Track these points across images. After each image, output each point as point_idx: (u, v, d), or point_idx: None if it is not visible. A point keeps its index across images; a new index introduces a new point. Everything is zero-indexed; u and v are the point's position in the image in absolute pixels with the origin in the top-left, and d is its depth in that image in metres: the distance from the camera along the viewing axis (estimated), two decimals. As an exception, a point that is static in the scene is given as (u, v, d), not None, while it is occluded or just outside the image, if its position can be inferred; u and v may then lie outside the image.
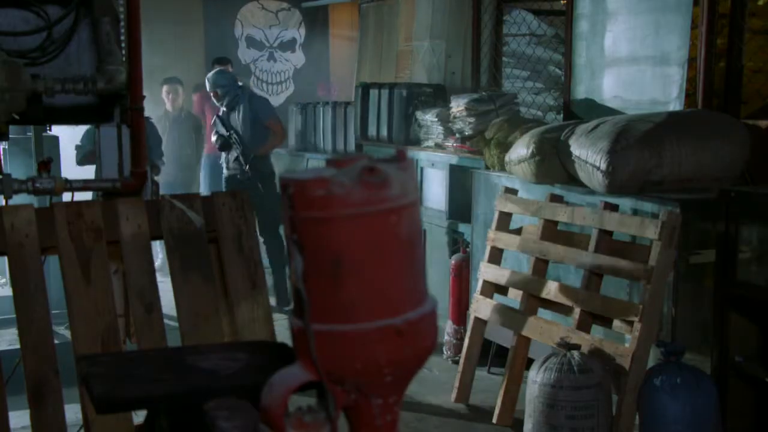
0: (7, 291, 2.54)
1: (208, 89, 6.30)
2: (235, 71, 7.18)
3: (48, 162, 3.09)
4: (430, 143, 5.40)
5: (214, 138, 6.30)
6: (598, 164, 3.65)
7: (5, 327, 4.20)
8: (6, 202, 2.86)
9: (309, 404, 1.07)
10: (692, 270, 3.47)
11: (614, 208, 3.63)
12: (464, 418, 4.06)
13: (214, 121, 6.27)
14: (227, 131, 6.14)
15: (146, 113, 3.35)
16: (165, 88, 7.30)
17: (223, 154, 6.29)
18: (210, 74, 6.40)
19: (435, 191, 5.28)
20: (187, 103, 7.60)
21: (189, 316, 2.49)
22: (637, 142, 3.59)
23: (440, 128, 5.27)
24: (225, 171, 6.28)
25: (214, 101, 6.32)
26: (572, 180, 3.96)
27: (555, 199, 3.98)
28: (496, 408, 3.93)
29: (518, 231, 4.16)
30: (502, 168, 4.46)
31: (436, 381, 4.47)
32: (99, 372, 1.56)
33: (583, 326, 3.60)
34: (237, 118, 6.20)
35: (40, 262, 2.42)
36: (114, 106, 3.11)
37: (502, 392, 3.93)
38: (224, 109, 6.23)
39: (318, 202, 0.97)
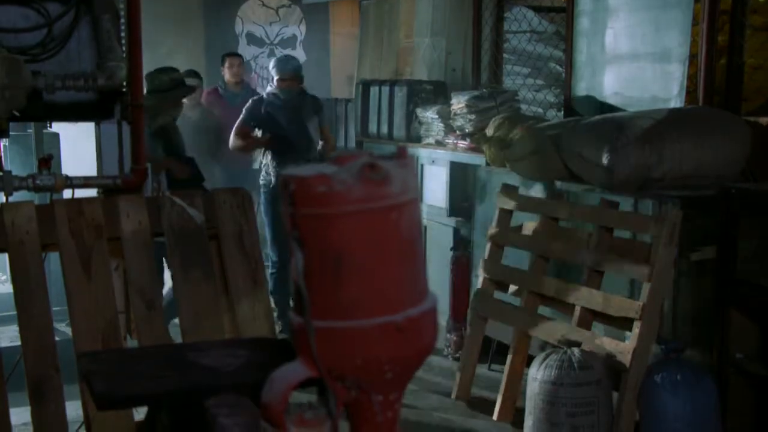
0: (8, 288, 2.54)
1: (279, 76, 5.26)
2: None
3: (48, 159, 3.09)
4: (431, 140, 5.39)
5: (263, 137, 5.28)
6: (598, 161, 3.64)
7: (6, 324, 4.20)
8: (6, 199, 2.86)
9: (310, 401, 1.07)
10: (693, 267, 3.47)
11: (615, 205, 3.62)
12: (465, 415, 4.06)
13: (264, 118, 5.25)
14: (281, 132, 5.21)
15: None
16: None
17: (263, 159, 5.42)
18: (282, 57, 5.56)
19: (435, 188, 5.28)
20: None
21: (190, 313, 2.49)
22: (638, 140, 3.58)
23: (441, 125, 5.26)
24: (270, 178, 5.29)
25: (279, 92, 5.26)
26: (573, 177, 3.96)
27: (556, 196, 3.97)
28: (496, 405, 3.94)
29: (519, 228, 4.16)
30: (503, 165, 4.46)
31: (437, 378, 4.47)
32: (100, 369, 1.56)
33: (584, 323, 3.60)
34: (301, 118, 5.26)
35: (40, 259, 2.42)
36: (114, 102, 3.11)
37: (502, 389, 3.93)
38: (275, 103, 5.26)
39: (319, 199, 0.97)
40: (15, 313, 2.37)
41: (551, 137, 4.04)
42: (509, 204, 4.17)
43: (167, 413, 1.51)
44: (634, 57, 4.46)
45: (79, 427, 2.48)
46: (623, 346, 3.34)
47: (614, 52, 4.59)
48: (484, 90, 5.24)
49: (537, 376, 3.39)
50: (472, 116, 4.95)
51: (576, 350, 3.37)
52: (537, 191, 4.17)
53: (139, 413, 2.27)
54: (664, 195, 3.53)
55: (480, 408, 4.09)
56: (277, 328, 4.79)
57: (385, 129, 5.85)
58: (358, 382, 1.03)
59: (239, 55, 6.97)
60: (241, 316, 2.54)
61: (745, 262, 3.33)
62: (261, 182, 5.43)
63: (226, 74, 6.75)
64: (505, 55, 5.65)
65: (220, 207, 2.58)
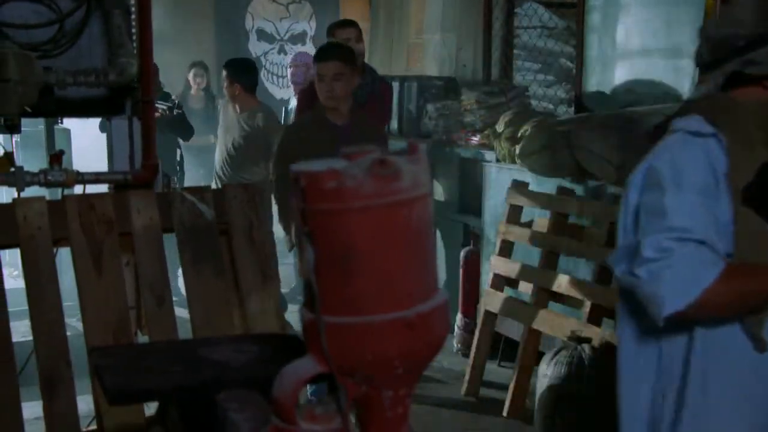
0: (20, 283, 2.55)
1: None
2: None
3: (60, 154, 3.10)
4: (441, 136, 5.39)
5: None
6: (609, 157, 3.63)
7: (18, 319, 4.21)
8: (18, 195, 2.88)
9: (320, 397, 1.07)
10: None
11: (626, 201, 3.61)
12: (474, 411, 4.06)
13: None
14: None
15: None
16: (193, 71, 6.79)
17: None
18: None
19: (446, 184, 5.27)
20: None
21: (200, 309, 2.50)
22: (649, 135, 3.56)
23: (451, 121, 5.26)
24: None
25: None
26: (583, 173, 3.94)
27: (566, 192, 3.96)
28: (506, 401, 3.94)
29: (529, 224, 4.15)
30: (513, 161, 4.45)
31: (447, 374, 4.47)
32: (111, 364, 1.57)
33: (594, 320, 3.59)
34: None
35: (52, 254, 2.43)
36: (125, 98, 3.12)
37: (512, 385, 3.93)
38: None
39: (329, 194, 0.97)
40: (27, 308, 2.38)
41: (562, 133, 4.03)
42: (519, 200, 4.16)
43: (177, 408, 1.52)
44: (645, 53, 4.44)
45: (91, 422, 2.49)
46: (634, 343, 3.33)
47: (625, 47, 4.57)
48: (495, 86, 5.23)
49: (547, 372, 3.38)
50: (483, 112, 4.94)
51: (586, 347, 3.37)
52: (547, 187, 4.16)
53: (150, 408, 2.27)
54: (675, 191, 3.51)
55: (489, 404, 4.09)
56: None
57: (395, 124, 5.86)
58: (368, 377, 1.03)
59: (354, 24, 4.51)
60: (251, 310, 2.54)
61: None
62: None
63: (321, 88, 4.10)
64: (515, 51, 5.64)
65: (230, 202, 2.59)
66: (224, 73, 5.40)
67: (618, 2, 4.59)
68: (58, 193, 3.02)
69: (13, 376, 2.32)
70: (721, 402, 1.66)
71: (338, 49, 3.82)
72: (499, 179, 4.58)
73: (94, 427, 2.44)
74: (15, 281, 4.81)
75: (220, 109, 5.66)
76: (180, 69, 7.14)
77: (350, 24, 4.46)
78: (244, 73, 5.35)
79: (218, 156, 5.53)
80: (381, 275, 0.99)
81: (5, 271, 2.52)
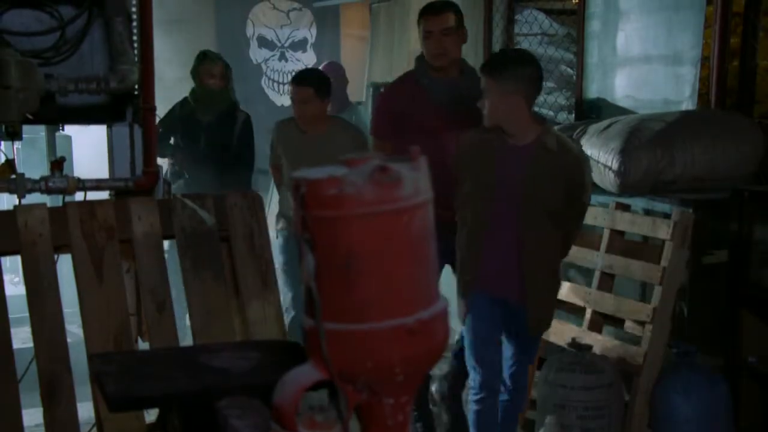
0: (21, 289, 2.55)
1: None
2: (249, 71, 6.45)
3: (61, 161, 3.11)
4: (442, 143, 5.38)
5: None
6: (610, 164, 3.63)
7: (19, 325, 4.21)
8: (19, 202, 2.88)
9: (320, 403, 1.07)
10: (705, 270, 3.45)
11: (626, 207, 3.61)
12: (475, 418, 4.04)
13: None
14: None
15: None
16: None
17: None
18: None
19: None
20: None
21: (201, 315, 2.50)
22: (650, 142, 3.57)
23: (451, 128, 5.25)
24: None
25: None
26: (584, 180, 3.94)
27: (567, 198, 3.96)
28: (507, 408, 3.92)
29: (530, 231, 4.15)
30: (514, 167, 4.45)
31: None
32: (111, 370, 1.57)
33: (595, 326, 3.58)
34: None
35: (53, 261, 2.43)
36: (126, 105, 3.13)
37: (513, 392, 3.91)
38: None
39: (330, 201, 0.97)
40: (27, 314, 2.38)
41: (562, 140, 4.02)
42: (520, 207, 4.15)
43: (178, 415, 1.52)
44: (645, 59, 4.44)
45: (91, 429, 2.49)
46: (635, 350, 3.33)
47: (626, 54, 4.57)
48: (495, 92, 5.22)
49: (548, 379, 3.38)
50: (483, 119, 4.93)
51: (587, 353, 3.36)
52: (548, 194, 4.16)
53: (151, 415, 2.27)
54: (676, 198, 3.52)
55: (490, 411, 4.07)
56: None
57: (395, 131, 5.85)
58: (369, 384, 1.03)
59: (451, 8, 3.58)
60: (251, 317, 2.54)
61: (758, 265, 3.31)
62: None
63: (429, 47, 3.66)
64: (516, 58, 5.63)
65: (230, 209, 2.59)
66: (300, 90, 4.13)
67: (618, 9, 4.60)
68: (59, 200, 3.02)
69: (13, 382, 2.32)
70: None
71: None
72: (499, 186, 4.58)
73: (94, 433, 2.44)
74: (16, 288, 4.81)
75: (274, 135, 4.40)
76: (180, 76, 7.12)
77: (447, 7, 3.38)
78: (330, 85, 4.22)
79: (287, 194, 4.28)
80: (382, 282, 0.99)
81: (6, 278, 2.52)
